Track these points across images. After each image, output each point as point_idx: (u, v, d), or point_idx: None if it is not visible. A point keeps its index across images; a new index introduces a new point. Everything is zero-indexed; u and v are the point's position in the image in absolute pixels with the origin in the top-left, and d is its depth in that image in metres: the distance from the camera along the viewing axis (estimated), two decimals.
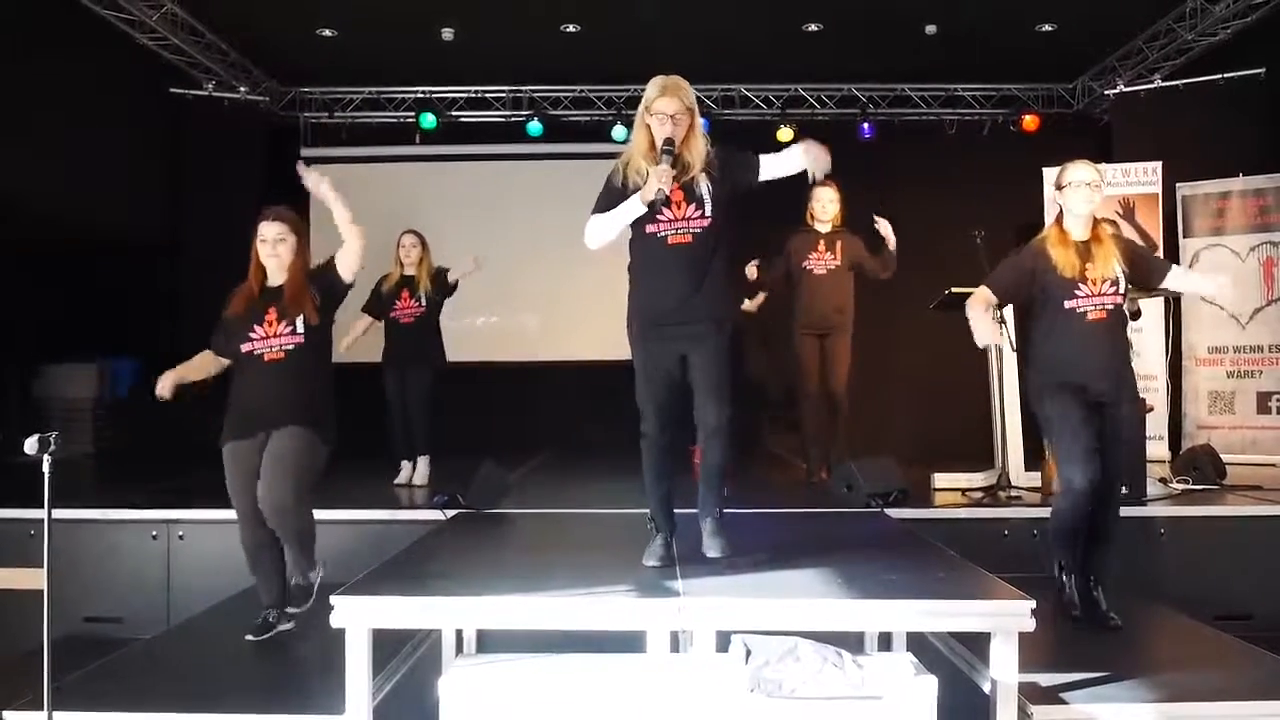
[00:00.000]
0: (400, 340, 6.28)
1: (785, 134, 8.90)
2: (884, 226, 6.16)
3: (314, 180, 3.89)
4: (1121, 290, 3.80)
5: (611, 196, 3.58)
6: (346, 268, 3.94)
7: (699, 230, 3.54)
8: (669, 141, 3.46)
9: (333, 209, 3.88)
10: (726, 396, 3.57)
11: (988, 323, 3.87)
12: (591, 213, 3.62)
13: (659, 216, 3.53)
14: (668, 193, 3.45)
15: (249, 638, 3.83)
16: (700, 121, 3.62)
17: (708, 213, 3.53)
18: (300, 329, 3.83)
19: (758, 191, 3.63)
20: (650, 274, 3.61)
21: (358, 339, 6.34)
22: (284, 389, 3.80)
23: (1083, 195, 3.83)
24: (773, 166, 3.60)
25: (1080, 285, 3.78)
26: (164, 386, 3.92)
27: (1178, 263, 7.74)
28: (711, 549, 3.56)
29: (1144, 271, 3.93)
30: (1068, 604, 3.88)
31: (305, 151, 9.41)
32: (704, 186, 3.54)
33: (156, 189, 8.59)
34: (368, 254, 7.10)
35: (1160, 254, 7.61)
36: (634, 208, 3.50)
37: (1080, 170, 3.86)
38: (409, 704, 3.48)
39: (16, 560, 4.98)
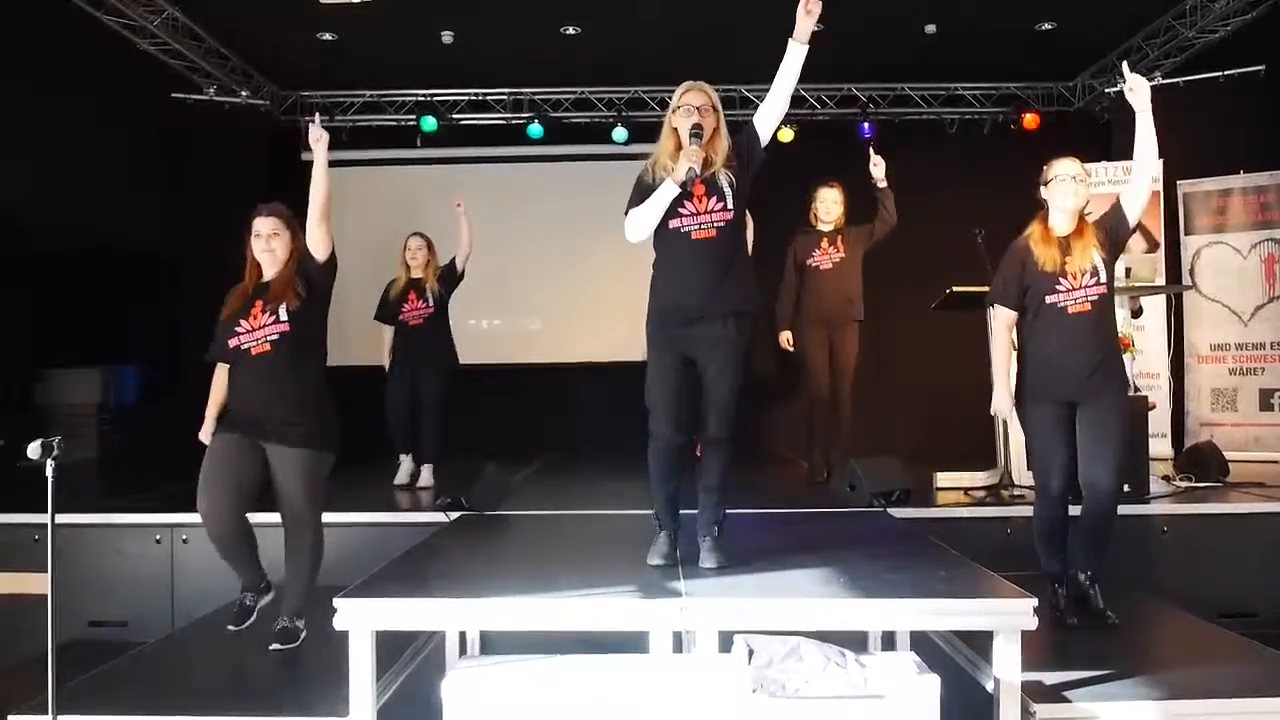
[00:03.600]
0: (411, 343, 6.28)
1: (786, 134, 8.90)
2: (878, 168, 6.13)
3: (317, 134, 3.86)
4: (1103, 280, 3.80)
5: (643, 193, 3.64)
6: (314, 243, 3.83)
7: (722, 224, 3.59)
8: (696, 126, 3.55)
9: (316, 160, 3.85)
10: (732, 409, 3.61)
11: (1008, 394, 3.89)
12: (626, 210, 3.68)
13: (681, 211, 3.58)
14: (698, 172, 3.51)
15: (230, 628, 3.80)
16: (724, 125, 3.68)
17: (729, 205, 3.59)
18: (284, 316, 3.78)
19: (768, 171, 3.69)
20: (674, 269, 3.64)
21: (391, 347, 6.36)
22: (276, 390, 3.75)
23: (1068, 189, 3.84)
24: (773, 104, 3.65)
25: (1061, 280, 3.79)
26: (208, 431, 3.82)
27: (1180, 261, 7.77)
28: (708, 561, 3.57)
29: (1117, 228, 3.87)
30: (1061, 611, 3.87)
31: (306, 155, 9.41)
32: (725, 180, 3.60)
33: (158, 194, 8.61)
34: (373, 257, 7.17)
35: (1161, 252, 7.63)
36: (668, 191, 3.56)
37: (1064, 165, 3.87)
38: (413, 706, 3.49)
39: (21, 565, 4.99)
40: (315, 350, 3.92)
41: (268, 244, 3.83)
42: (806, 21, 3.52)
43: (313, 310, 3.89)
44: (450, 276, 6.36)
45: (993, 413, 4.01)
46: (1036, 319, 3.86)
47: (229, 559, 3.86)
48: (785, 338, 6.32)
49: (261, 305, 3.80)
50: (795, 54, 3.59)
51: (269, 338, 3.77)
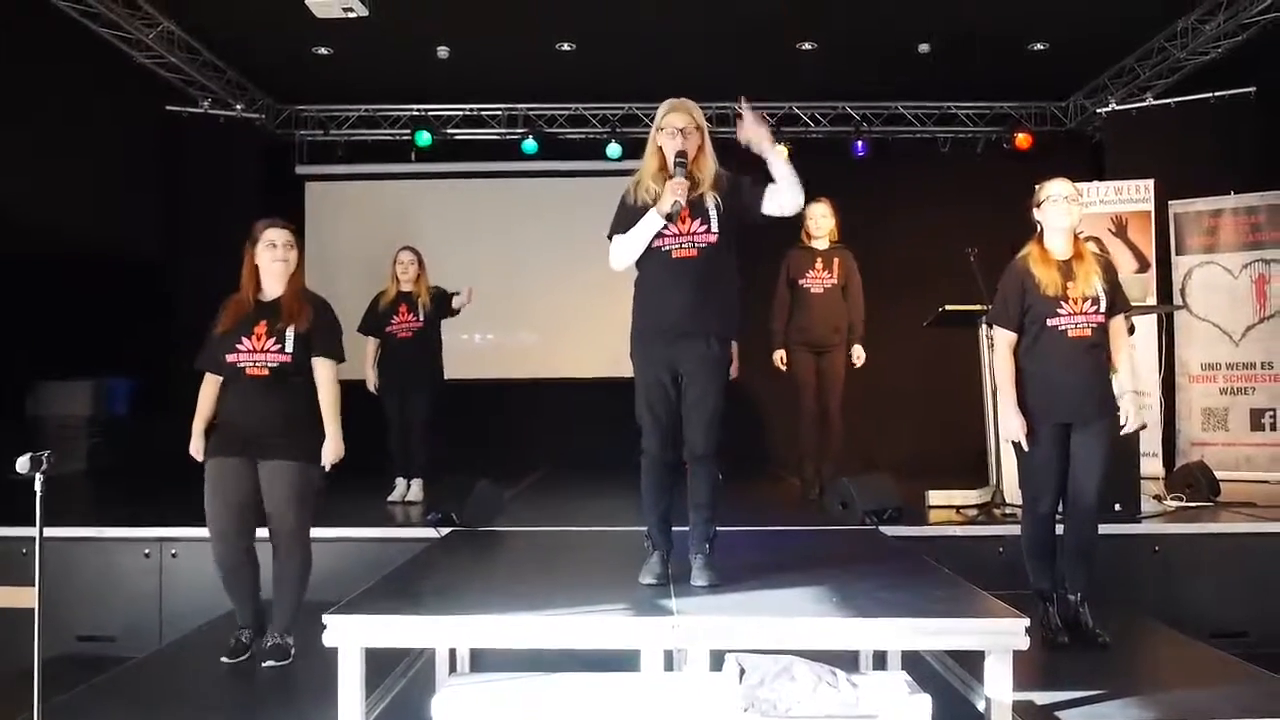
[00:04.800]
0: (398, 357, 6.26)
1: (780, 152, 8.93)
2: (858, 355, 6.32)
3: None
4: (1103, 308, 3.82)
5: (626, 217, 3.64)
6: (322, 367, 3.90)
7: (704, 245, 3.58)
8: (681, 154, 3.54)
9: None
10: (717, 426, 3.60)
11: (1017, 417, 3.87)
12: (609, 235, 3.68)
13: (664, 231, 3.58)
14: (683, 204, 3.51)
15: (223, 660, 3.79)
16: (709, 142, 3.67)
17: (713, 228, 3.58)
18: (289, 347, 3.77)
19: (762, 225, 3.65)
20: (654, 288, 3.65)
21: (374, 361, 6.34)
22: (268, 409, 3.75)
23: (1060, 209, 3.86)
24: (774, 200, 3.61)
25: (1062, 303, 3.81)
26: (198, 450, 3.83)
27: (1171, 281, 7.81)
28: (699, 579, 3.56)
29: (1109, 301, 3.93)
30: (1053, 630, 3.87)
31: (300, 169, 9.43)
32: (711, 203, 3.59)
33: (152, 206, 8.59)
34: (368, 271, 7.16)
35: (1152, 272, 7.68)
36: (652, 222, 3.56)
37: (1057, 185, 3.90)
38: None
39: (9, 579, 4.96)
40: (308, 374, 3.90)
41: (284, 254, 3.83)
42: (761, 146, 3.55)
43: (310, 343, 3.88)
44: (443, 304, 6.36)
45: (1004, 438, 4.01)
46: (1036, 341, 3.87)
47: (231, 589, 3.88)
48: (779, 356, 6.32)
49: (266, 327, 3.79)
50: (774, 162, 3.58)
51: (269, 364, 3.77)
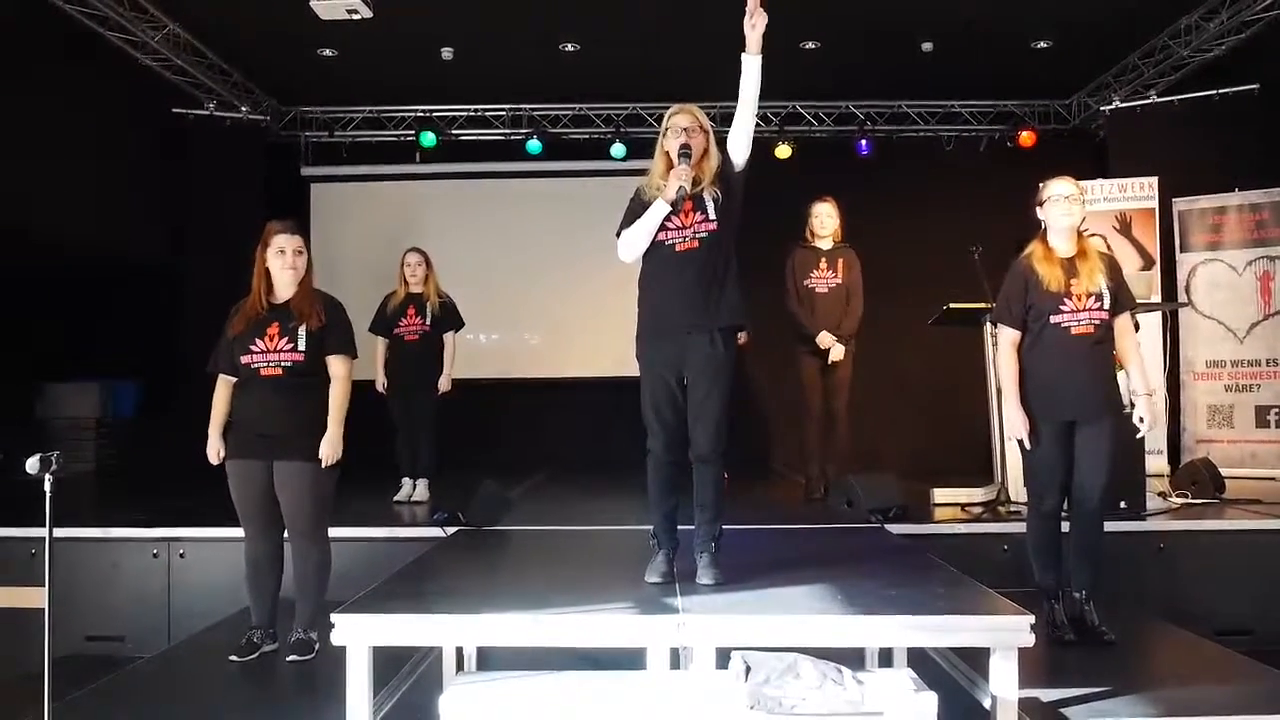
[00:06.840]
0: (406, 359, 6.29)
1: (783, 151, 8.95)
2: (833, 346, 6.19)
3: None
4: (1106, 305, 3.83)
5: (634, 213, 3.70)
6: (337, 364, 3.93)
7: (705, 234, 3.63)
8: (685, 146, 3.63)
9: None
10: (723, 426, 3.62)
11: (1020, 414, 3.88)
12: (618, 233, 3.73)
13: (667, 225, 3.64)
14: (688, 190, 3.57)
15: (232, 658, 3.83)
16: (715, 146, 3.74)
17: (711, 215, 3.63)
18: (302, 345, 3.81)
19: (766, 189, 3.68)
20: (660, 282, 3.68)
21: (384, 361, 6.36)
22: (283, 409, 3.78)
23: (1061, 209, 3.87)
24: (740, 122, 3.72)
25: (1065, 300, 3.82)
26: (215, 451, 3.86)
27: (1175, 278, 7.80)
28: (705, 577, 3.57)
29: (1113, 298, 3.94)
30: (1058, 627, 3.88)
31: (306, 170, 9.46)
32: (709, 195, 3.66)
33: (158, 208, 8.62)
34: (373, 271, 7.17)
35: (1156, 269, 7.67)
36: (659, 210, 3.62)
37: (1059, 185, 3.91)
38: None
39: (18, 579, 4.99)
40: (322, 374, 3.93)
41: (293, 261, 3.85)
42: (753, 34, 3.58)
43: (322, 344, 3.91)
44: (454, 314, 6.40)
45: (1007, 435, 4.02)
46: (1039, 338, 3.88)
47: (253, 586, 3.93)
48: (827, 339, 6.15)
49: (279, 328, 3.82)
50: (750, 67, 3.65)
51: (283, 363, 3.80)
